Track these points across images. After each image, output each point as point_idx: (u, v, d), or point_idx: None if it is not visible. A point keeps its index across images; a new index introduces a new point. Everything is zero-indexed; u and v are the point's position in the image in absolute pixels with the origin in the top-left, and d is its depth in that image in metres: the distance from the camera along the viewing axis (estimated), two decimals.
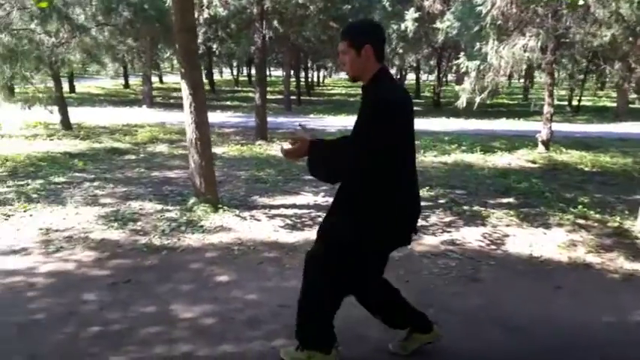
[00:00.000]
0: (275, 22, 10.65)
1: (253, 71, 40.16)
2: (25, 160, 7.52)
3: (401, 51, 20.54)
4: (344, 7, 14.38)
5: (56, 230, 4.42)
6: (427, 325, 2.54)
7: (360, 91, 2.28)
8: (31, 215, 4.85)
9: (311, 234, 4.45)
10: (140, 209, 5.07)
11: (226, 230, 4.49)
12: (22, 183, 6.09)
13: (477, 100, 8.66)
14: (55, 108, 10.72)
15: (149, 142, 9.74)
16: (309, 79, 30.35)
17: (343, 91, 34.11)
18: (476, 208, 5.32)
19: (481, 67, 8.29)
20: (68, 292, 3.28)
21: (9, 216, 4.80)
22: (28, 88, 10.73)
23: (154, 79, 26.65)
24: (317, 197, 5.72)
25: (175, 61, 26.37)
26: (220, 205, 5.00)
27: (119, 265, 3.73)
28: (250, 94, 25.92)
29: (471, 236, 4.47)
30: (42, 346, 2.65)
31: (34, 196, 5.50)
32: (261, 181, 6.51)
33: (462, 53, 9.06)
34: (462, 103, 8.90)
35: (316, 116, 16.61)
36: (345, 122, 14.63)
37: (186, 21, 4.56)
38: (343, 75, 59.01)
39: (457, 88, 9.46)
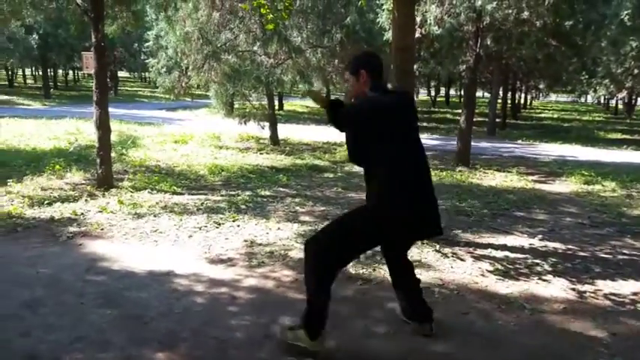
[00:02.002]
0: (488, 40, 10.00)
1: (452, 92, 39.31)
2: (238, 172, 8.31)
3: (637, 71, 17.71)
4: (566, 22, 12.94)
5: (259, 244, 4.62)
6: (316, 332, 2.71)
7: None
8: (238, 226, 5.19)
9: (528, 285, 3.82)
10: None
11: (425, 267, 4.13)
12: (233, 193, 6.66)
13: None
14: (267, 124, 11.79)
15: (346, 162, 9.96)
16: (516, 101, 28.30)
17: (554, 115, 31.01)
18: None
19: None
20: (266, 311, 3.30)
21: (219, 224, 5.22)
22: (245, 105, 12.07)
23: None
24: (533, 240, 4.98)
25: None
26: None
27: None
28: (448, 116, 25.29)
29: None
30: None
31: (243, 207, 5.94)
32: (464, 213, 6.00)
33: None
34: None
35: (525, 142, 15.22)
36: (562, 151, 13.08)
37: (406, 40, 4.41)
38: (554, 97, 54.07)
39: None
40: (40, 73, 33.12)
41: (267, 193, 6.77)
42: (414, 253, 4.38)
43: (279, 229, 5.11)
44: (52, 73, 35.23)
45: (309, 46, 9.91)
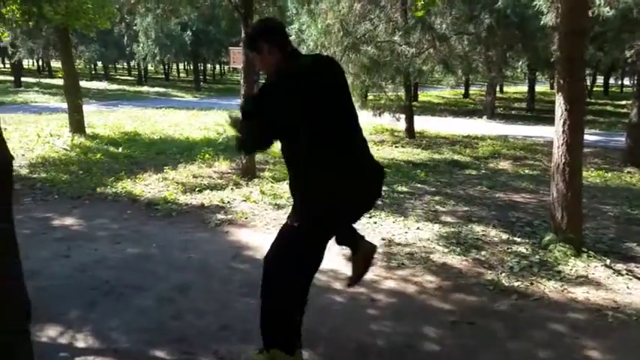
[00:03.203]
0: None
1: (611, 80, 35.03)
2: None
3: None
4: None
5: (398, 244, 4.44)
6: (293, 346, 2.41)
7: None
8: (375, 222, 5.06)
9: None
10: (483, 235, 4.66)
11: (593, 284, 3.61)
12: None
13: None
14: (402, 116, 11.52)
15: (490, 157, 9.34)
16: None
17: None
18: None
19: None
20: (407, 319, 3.12)
21: None
22: (380, 96, 11.91)
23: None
24: None
25: (521, 70, 25.20)
26: (585, 249, 4.11)
27: (462, 300, 3.38)
28: (607, 108, 22.59)
29: None
30: None
31: (379, 203, 5.78)
32: (638, 222, 5.19)
33: None
34: None
35: None
36: None
37: (578, 22, 3.86)
38: None
39: None
40: (192, 67, 36.40)
41: (404, 189, 6.54)
42: (579, 267, 3.86)
43: (418, 228, 4.87)
44: (202, 68, 38.52)
45: (453, 32, 9.41)
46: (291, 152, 2.29)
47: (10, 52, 23.36)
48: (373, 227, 4.91)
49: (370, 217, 5.18)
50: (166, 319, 3.05)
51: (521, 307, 3.27)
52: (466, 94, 28.69)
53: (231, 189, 6.26)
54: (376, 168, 2.38)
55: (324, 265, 3.88)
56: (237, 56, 7.27)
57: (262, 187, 6.25)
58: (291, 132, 2.20)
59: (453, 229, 4.81)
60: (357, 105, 12.22)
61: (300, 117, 2.16)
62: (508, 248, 4.31)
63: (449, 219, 5.21)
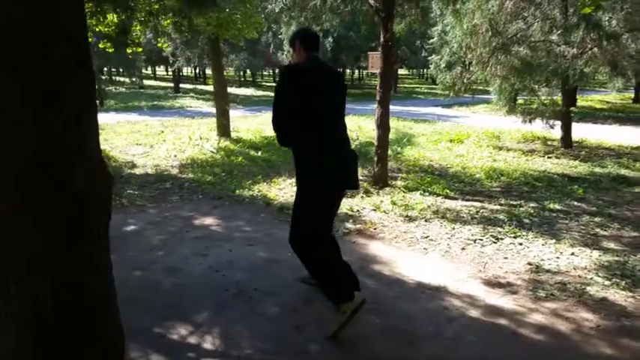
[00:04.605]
0: None
1: None
2: (520, 178, 7.55)
3: None
4: None
5: (547, 270, 3.97)
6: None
7: None
8: (520, 244, 4.61)
9: None
10: None
11: None
12: (514, 203, 6.02)
13: None
14: (557, 123, 10.51)
15: None
16: None
17: None
18: None
19: None
20: None
21: (498, 239, 4.72)
22: (532, 100, 11.00)
23: None
24: None
25: None
26: None
27: (626, 345, 2.88)
28: None
29: None
30: None
31: (526, 221, 5.28)
32: None
33: None
34: None
35: None
36: None
37: None
38: None
39: None
40: None
41: (557, 206, 5.89)
42: None
43: (573, 254, 4.33)
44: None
45: (625, 30, 8.30)
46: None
47: (170, 61, 26.15)
48: (518, 249, 4.48)
49: (515, 237, 4.75)
50: (290, 329, 3.06)
51: None
52: (636, 99, 25.43)
53: (361, 197, 6.20)
54: (351, 156, 3.20)
55: (458, 288, 3.64)
56: (375, 61, 7.20)
57: (393, 197, 6.09)
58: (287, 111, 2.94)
59: (616, 258, 4.19)
60: (503, 110, 11.56)
61: (294, 102, 2.90)
62: None
63: (612, 245, 4.55)
